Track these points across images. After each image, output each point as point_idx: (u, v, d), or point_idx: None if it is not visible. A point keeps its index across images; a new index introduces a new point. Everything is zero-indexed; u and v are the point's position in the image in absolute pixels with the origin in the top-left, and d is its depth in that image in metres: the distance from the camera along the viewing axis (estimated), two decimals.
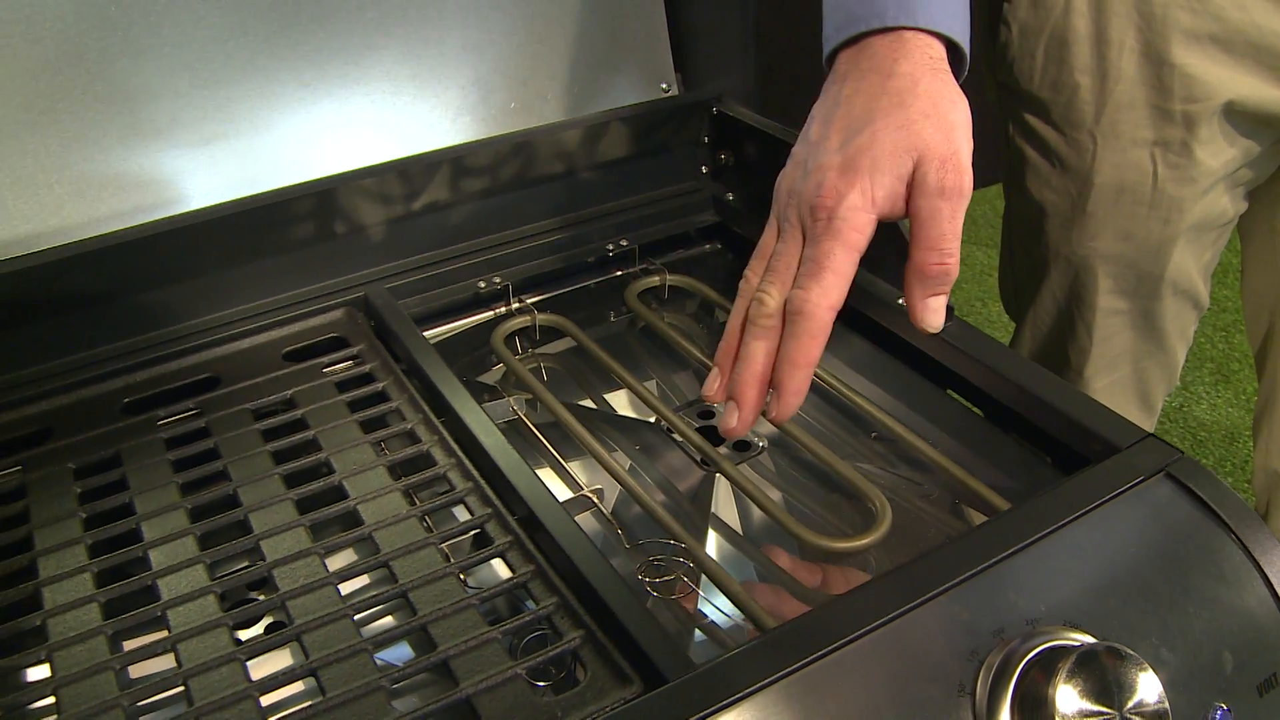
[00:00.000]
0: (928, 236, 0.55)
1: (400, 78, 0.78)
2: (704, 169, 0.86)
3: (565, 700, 0.47)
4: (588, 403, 0.76)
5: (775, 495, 0.66)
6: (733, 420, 0.58)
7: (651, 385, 0.75)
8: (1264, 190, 0.88)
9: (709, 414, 0.73)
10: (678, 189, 0.86)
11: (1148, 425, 1.01)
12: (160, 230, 0.67)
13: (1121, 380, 0.95)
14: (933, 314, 0.58)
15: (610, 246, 0.81)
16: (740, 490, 0.62)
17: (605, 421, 0.73)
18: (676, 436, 0.69)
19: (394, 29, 0.77)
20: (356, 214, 0.74)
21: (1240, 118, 0.80)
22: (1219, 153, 0.81)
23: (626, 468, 0.65)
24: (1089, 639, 0.49)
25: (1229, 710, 0.53)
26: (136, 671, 0.52)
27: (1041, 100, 0.84)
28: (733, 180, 0.86)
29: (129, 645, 0.53)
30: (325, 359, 0.69)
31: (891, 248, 0.69)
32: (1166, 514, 0.57)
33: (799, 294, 0.55)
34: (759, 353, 0.57)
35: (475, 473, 0.59)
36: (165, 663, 0.51)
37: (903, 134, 0.55)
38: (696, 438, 0.66)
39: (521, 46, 0.81)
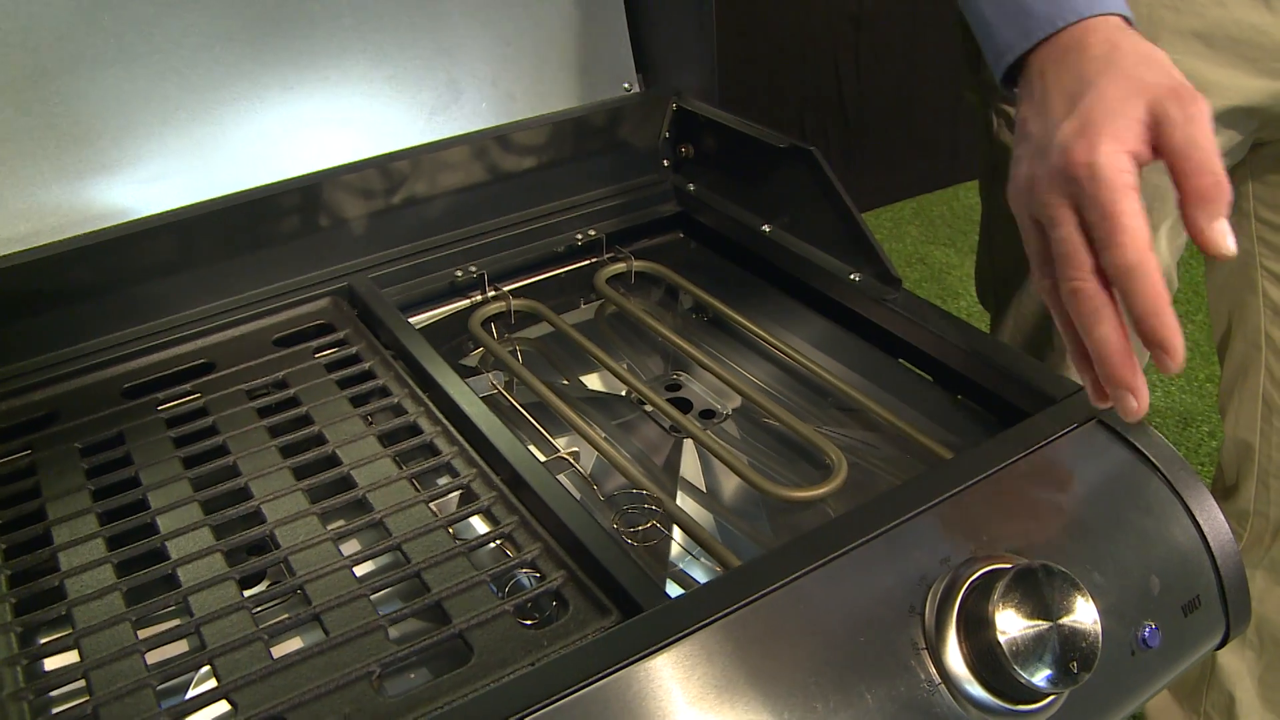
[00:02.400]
0: (1194, 163, 0.53)
1: (377, 80, 0.82)
2: (665, 162, 0.91)
3: (550, 631, 0.52)
4: (563, 382, 0.80)
5: (739, 455, 0.71)
6: (1132, 404, 0.55)
7: (622, 365, 0.80)
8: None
9: (676, 386, 0.78)
10: (641, 181, 0.91)
11: None
12: (153, 225, 0.71)
13: None
14: (1226, 235, 0.54)
15: (579, 236, 0.86)
16: (707, 450, 0.67)
17: (579, 396, 0.78)
18: (647, 407, 0.73)
19: (370, 35, 0.81)
20: (339, 209, 0.78)
21: (1223, 109, 0.83)
22: None
23: (601, 435, 0.69)
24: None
25: (1157, 628, 0.58)
26: (150, 625, 0.55)
27: None
28: (693, 171, 0.91)
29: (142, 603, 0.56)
30: (314, 343, 0.73)
31: (838, 220, 0.74)
32: (1098, 456, 0.62)
33: (1115, 253, 0.53)
34: (1112, 336, 0.55)
35: (460, 438, 0.64)
36: (178, 616, 0.55)
37: (1125, 82, 0.55)
38: (666, 406, 0.70)
39: (490, 50, 0.85)
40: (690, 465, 0.72)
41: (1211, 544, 0.61)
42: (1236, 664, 1.17)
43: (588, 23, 0.88)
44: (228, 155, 0.77)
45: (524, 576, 0.57)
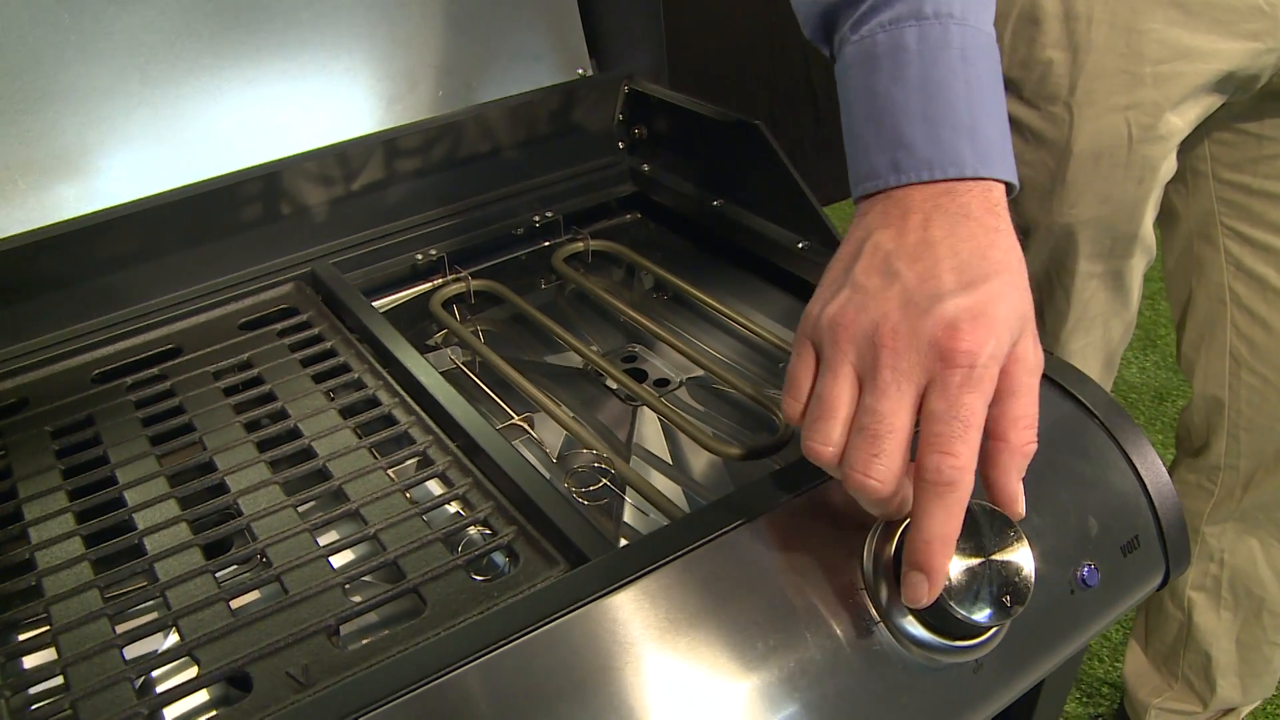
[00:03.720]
0: (1022, 413, 0.50)
1: (335, 72, 0.84)
2: (620, 144, 0.93)
3: (500, 584, 0.53)
4: (524, 359, 0.82)
5: (690, 419, 0.73)
6: (922, 592, 0.49)
7: (579, 340, 0.82)
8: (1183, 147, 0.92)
9: (632, 359, 0.80)
10: (597, 164, 0.93)
11: (1108, 384, 1.06)
12: (118, 215, 0.73)
13: (1094, 342, 1.00)
14: (1022, 499, 0.52)
15: (536, 218, 0.88)
16: (660, 415, 0.69)
17: (537, 370, 0.80)
18: (609, 383, 0.75)
19: (327, 28, 0.83)
20: (301, 196, 0.80)
21: (1209, 75, 0.84)
22: (1185, 111, 0.86)
23: (554, 403, 0.71)
24: None
25: (1095, 568, 0.60)
26: (118, 591, 0.57)
27: (1012, 80, 0.88)
28: (647, 152, 0.93)
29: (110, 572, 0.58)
30: (278, 326, 0.75)
31: (784, 191, 0.76)
32: (1043, 408, 0.64)
33: (947, 459, 0.47)
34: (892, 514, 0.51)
35: (417, 408, 0.66)
36: (145, 581, 0.56)
37: (1018, 298, 0.51)
38: (619, 374, 0.72)
39: (445, 39, 0.88)
40: (651, 434, 0.74)
41: (1149, 487, 0.63)
42: (1213, 623, 1.19)
43: (541, 10, 0.91)
44: (190, 147, 0.79)
45: (477, 535, 0.59)
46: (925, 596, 0.49)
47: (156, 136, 0.78)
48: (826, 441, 0.50)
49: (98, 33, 0.75)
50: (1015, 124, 0.89)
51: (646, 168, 0.92)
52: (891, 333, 0.49)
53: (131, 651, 0.52)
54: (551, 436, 0.71)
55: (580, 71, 0.93)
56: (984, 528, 0.52)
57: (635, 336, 0.84)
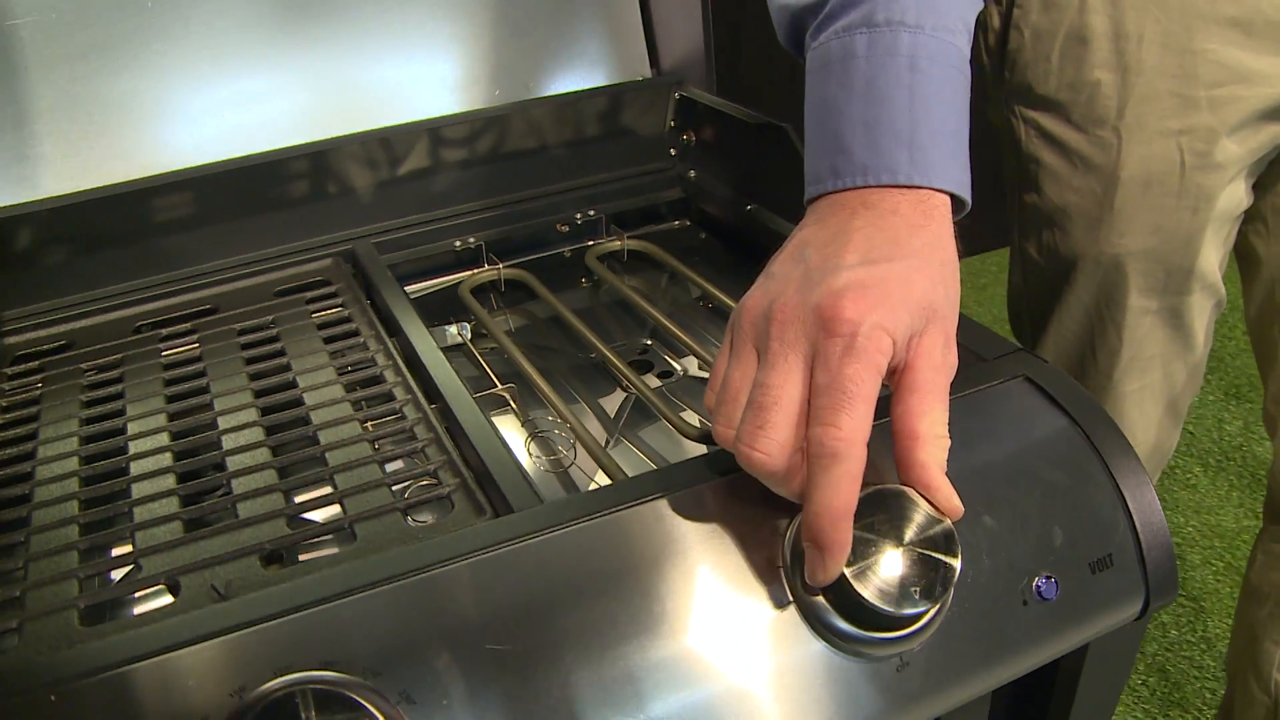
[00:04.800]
0: (927, 409, 0.48)
1: (395, 64, 0.89)
2: (672, 151, 0.95)
3: (430, 527, 0.55)
4: (547, 348, 0.84)
5: (673, 403, 0.73)
6: (817, 567, 0.48)
7: (597, 332, 0.83)
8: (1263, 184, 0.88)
9: (644, 352, 0.80)
10: (648, 168, 0.95)
11: (1174, 435, 1.00)
12: (174, 180, 0.79)
13: (1151, 385, 0.94)
14: (954, 494, 0.50)
15: (579, 216, 0.90)
16: (641, 397, 0.69)
17: (556, 358, 0.81)
18: (617, 374, 0.76)
19: (390, 20, 0.88)
20: (349, 176, 0.85)
21: (1265, 99, 0.79)
22: (1246, 138, 0.81)
23: (541, 378, 0.72)
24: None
25: (1055, 581, 0.56)
26: (95, 506, 0.62)
27: (1059, 101, 0.85)
28: (695, 158, 0.94)
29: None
30: (308, 295, 0.80)
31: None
32: (1018, 410, 0.62)
33: (830, 431, 0.45)
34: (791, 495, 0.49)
35: (405, 372, 0.68)
36: (121, 500, 0.61)
37: (925, 285, 0.49)
38: (616, 360, 0.73)
39: (507, 38, 0.91)
40: (645, 421, 0.74)
41: (1131, 506, 0.59)
42: None
43: (603, 16, 0.94)
44: (253, 126, 0.85)
45: (425, 485, 0.61)
46: (821, 572, 0.48)
47: (219, 113, 0.84)
48: (728, 424, 0.50)
49: (176, 18, 0.82)
50: (1062, 148, 0.86)
51: (693, 174, 0.93)
52: (782, 307, 0.49)
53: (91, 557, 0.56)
54: (542, 413, 0.73)
55: (641, 78, 0.95)
56: (906, 515, 0.50)
57: (657, 335, 0.85)
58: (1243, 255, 0.95)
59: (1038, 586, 0.56)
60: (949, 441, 0.49)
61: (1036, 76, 0.86)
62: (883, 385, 0.48)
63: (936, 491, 0.49)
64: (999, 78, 0.90)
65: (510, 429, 0.71)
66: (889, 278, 0.48)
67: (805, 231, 0.54)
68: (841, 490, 0.46)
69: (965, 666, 0.54)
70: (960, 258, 0.55)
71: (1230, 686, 1.17)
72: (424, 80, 0.90)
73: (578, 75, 0.94)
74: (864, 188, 0.54)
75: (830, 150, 0.55)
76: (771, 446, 0.47)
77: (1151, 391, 0.93)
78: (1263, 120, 0.80)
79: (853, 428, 0.45)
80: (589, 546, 0.51)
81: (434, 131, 0.86)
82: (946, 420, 0.49)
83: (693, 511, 0.54)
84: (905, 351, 0.49)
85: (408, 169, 0.87)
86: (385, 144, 0.85)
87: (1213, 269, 0.88)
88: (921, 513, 0.50)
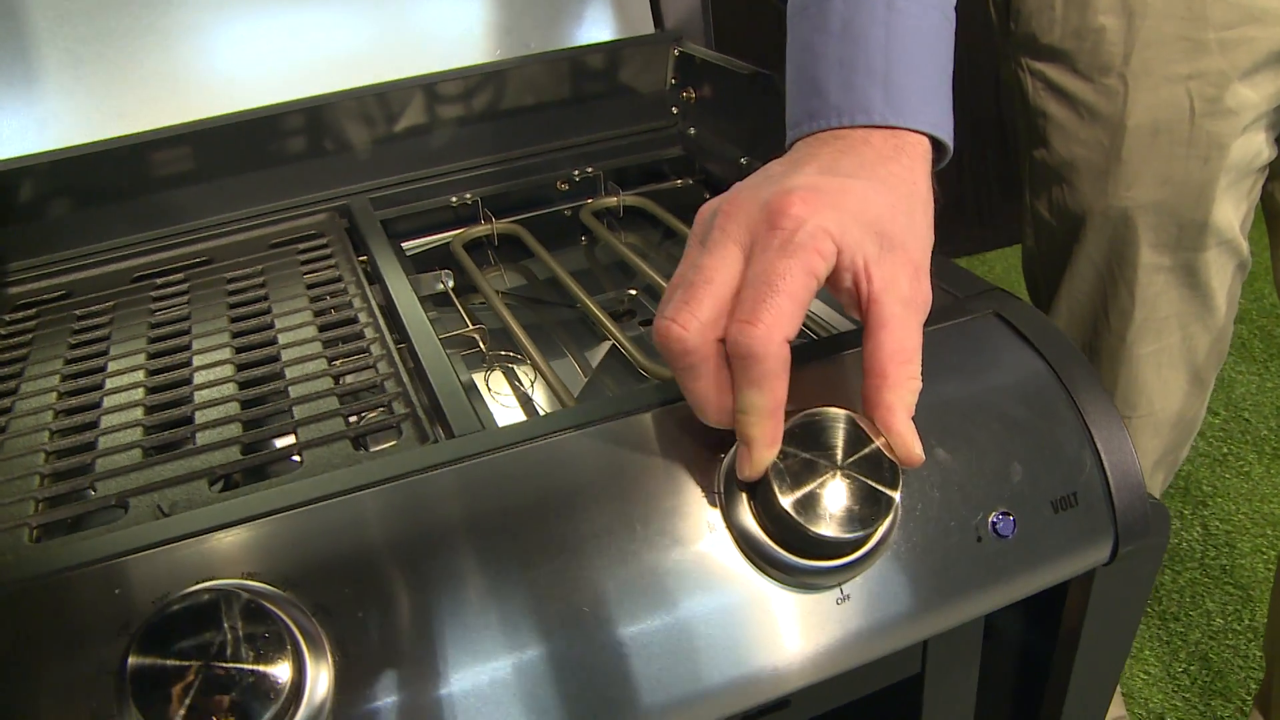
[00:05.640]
0: (901, 348, 0.46)
1: (392, 16, 0.90)
2: (674, 109, 0.94)
3: (376, 452, 0.55)
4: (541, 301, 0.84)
5: (632, 343, 0.71)
6: (744, 464, 0.47)
7: (585, 285, 0.83)
8: None
9: (628, 302, 0.80)
10: (648, 126, 0.94)
11: (1199, 404, 0.96)
12: (175, 133, 0.81)
13: (1169, 349, 0.91)
14: (917, 438, 0.48)
15: (576, 173, 0.90)
16: (610, 336, 0.69)
17: (537, 306, 0.81)
18: (594, 321, 0.76)
19: None
20: (346, 132, 0.86)
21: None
22: (1261, 83, 0.78)
23: (515, 319, 0.71)
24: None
25: (1012, 518, 0.55)
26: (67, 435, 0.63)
27: (1064, 50, 0.83)
28: (697, 116, 0.93)
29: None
30: (300, 246, 0.81)
31: None
32: (985, 344, 0.60)
33: (744, 328, 0.43)
34: (707, 397, 0.46)
35: (378, 312, 0.69)
36: (90, 431, 0.62)
37: (889, 213, 0.47)
38: (592, 306, 0.73)
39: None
40: (621, 368, 0.74)
41: (1100, 444, 0.57)
42: None
43: None
44: (253, 80, 0.86)
45: (379, 415, 0.61)
46: (747, 466, 0.47)
47: (219, 70, 0.86)
48: (661, 313, 0.47)
49: None
50: (1069, 99, 0.84)
51: (693, 131, 0.93)
52: (732, 201, 0.48)
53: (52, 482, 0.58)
54: (511, 352, 0.73)
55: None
56: (845, 440, 0.49)
57: (651, 291, 0.84)
58: (1269, 214, 0.91)
59: (993, 523, 0.54)
60: (919, 384, 0.47)
61: (1041, 26, 0.83)
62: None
63: (896, 436, 0.47)
64: (1005, 30, 0.88)
65: (476, 367, 0.71)
66: (846, 189, 0.46)
67: (773, 161, 0.53)
68: (764, 390, 0.44)
69: (913, 602, 0.53)
70: (936, 203, 0.54)
71: (1269, 670, 1.13)
72: (424, 36, 0.91)
73: (581, 31, 0.94)
74: (838, 128, 0.53)
75: (807, 94, 0.55)
76: (690, 321, 0.44)
77: (1170, 356, 0.89)
78: (1278, 63, 0.76)
79: (771, 324, 0.43)
80: (518, 473, 0.51)
81: (432, 87, 0.87)
82: (919, 362, 0.47)
83: (628, 439, 0.53)
84: (863, 277, 0.46)
85: (406, 125, 0.87)
86: (384, 100, 0.86)
87: (1229, 224, 0.84)
88: (863, 439, 0.49)
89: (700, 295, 0.45)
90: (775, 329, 0.43)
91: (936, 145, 0.54)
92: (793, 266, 0.44)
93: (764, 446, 0.46)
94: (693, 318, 0.45)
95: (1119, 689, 1.30)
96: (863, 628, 0.52)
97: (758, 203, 0.46)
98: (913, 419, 0.48)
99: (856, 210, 0.46)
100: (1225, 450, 1.74)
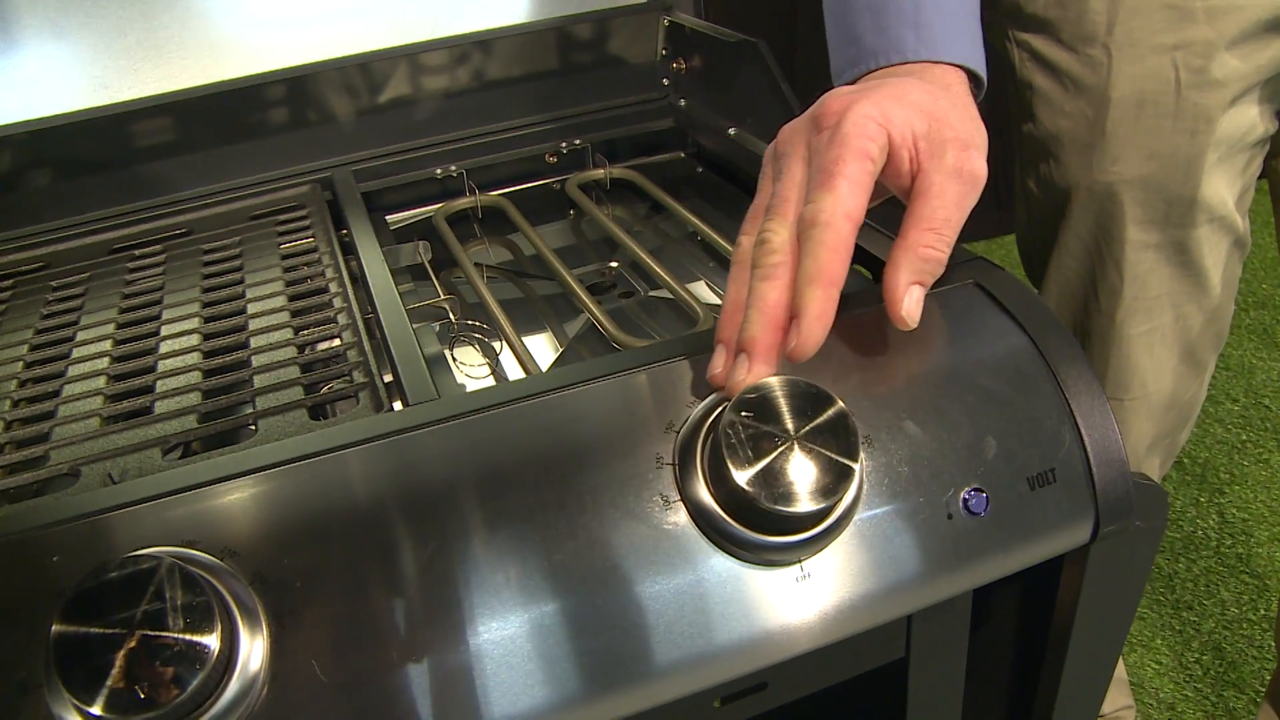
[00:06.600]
0: (930, 214, 0.49)
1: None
2: (665, 81, 0.92)
3: (330, 421, 0.54)
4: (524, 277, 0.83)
5: (614, 317, 0.70)
6: (741, 371, 0.48)
7: (567, 258, 0.81)
8: None
9: (607, 274, 0.78)
10: (639, 98, 0.92)
11: (1196, 386, 0.93)
12: (151, 105, 0.80)
13: (1161, 329, 0.88)
14: (915, 304, 0.50)
15: (564, 145, 0.88)
16: (585, 310, 0.67)
17: (520, 280, 0.80)
18: (569, 292, 0.75)
19: None
20: (329, 104, 0.85)
21: (1269, 7, 0.74)
22: (1250, 53, 0.75)
23: (490, 293, 0.70)
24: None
25: (985, 494, 0.53)
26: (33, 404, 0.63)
27: (1048, 20, 0.81)
28: (687, 87, 0.91)
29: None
30: (280, 218, 0.80)
31: (785, 116, 0.73)
32: (962, 315, 0.58)
33: (810, 207, 0.48)
34: (770, 293, 0.48)
35: (348, 283, 0.68)
36: (51, 401, 0.61)
37: (930, 100, 0.51)
38: (569, 278, 0.71)
39: None
40: (592, 336, 0.72)
41: (1080, 419, 0.55)
42: None
43: None
44: (238, 46, 0.85)
45: (340, 385, 0.60)
46: (717, 367, 0.50)
47: (196, 38, 0.85)
48: (745, 231, 0.52)
49: None
50: (1054, 70, 0.82)
51: (684, 103, 0.91)
52: (785, 129, 0.53)
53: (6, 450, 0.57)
54: (480, 322, 0.71)
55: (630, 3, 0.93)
56: (798, 408, 0.47)
57: (636, 266, 0.82)
58: (1273, 191, 0.88)
59: (965, 500, 0.53)
60: (939, 254, 0.50)
61: None
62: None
63: (889, 292, 0.50)
64: (992, 0, 0.85)
65: (450, 340, 0.70)
66: (884, 86, 0.51)
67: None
68: (820, 257, 0.47)
69: (877, 581, 0.51)
70: None
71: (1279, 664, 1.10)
72: (408, 4, 0.89)
73: (570, 0, 0.92)
74: (876, 69, 0.57)
75: (845, 43, 0.59)
76: (779, 227, 0.49)
77: (1162, 336, 0.86)
78: (1268, 32, 0.73)
79: (832, 204, 0.47)
80: (466, 443, 0.50)
81: (417, 58, 0.86)
82: (948, 234, 0.50)
83: (581, 410, 0.51)
84: (913, 150, 0.50)
85: (390, 96, 0.86)
86: (368, 70, 0.85)
87: (1221, 200, 0.81)
88: (825, 411, 0.47)
89: (784, 211, 0.50)
90: (837, 207, 0.47)
91: (972, 79, 0.57)
92: (844, 153, 0.48)
93: (814, 318, 0.47)
94: (782, 224, 0.49)
95: (1127, 679, 1.27)
96: (826, 607, 0.50)
97: (806, 119, 0.52)
98: (877, 388, 0.50)
99: (896, 96, 0.50)
100: (1244, 437, 1.70)
